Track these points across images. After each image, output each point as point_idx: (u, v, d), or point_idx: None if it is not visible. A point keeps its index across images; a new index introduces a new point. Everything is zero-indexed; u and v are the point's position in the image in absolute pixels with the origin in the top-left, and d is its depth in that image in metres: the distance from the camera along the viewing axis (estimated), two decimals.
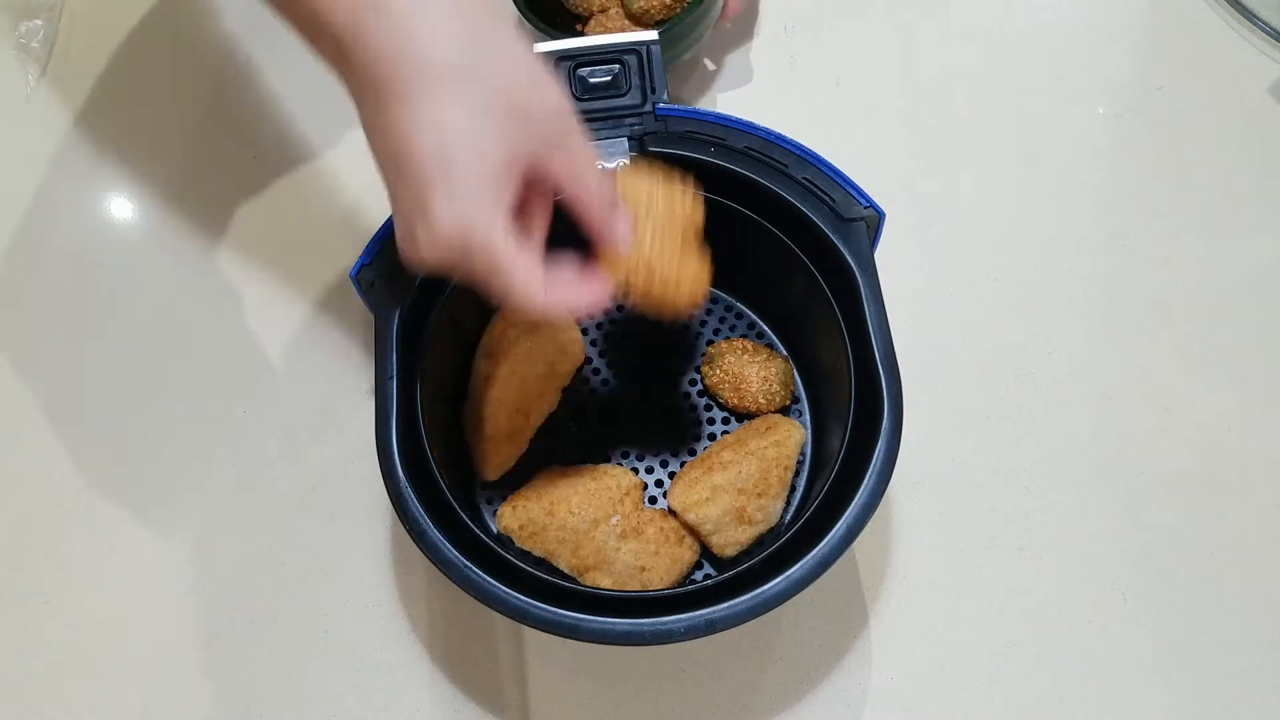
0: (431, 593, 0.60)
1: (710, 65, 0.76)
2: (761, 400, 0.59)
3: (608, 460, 0.60)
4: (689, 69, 0.76)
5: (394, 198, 0.42)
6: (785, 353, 0.62)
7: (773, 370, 0.59)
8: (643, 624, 0.46)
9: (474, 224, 0.40)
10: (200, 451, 0.64)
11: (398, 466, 0.49)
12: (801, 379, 0.62)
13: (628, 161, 0.56)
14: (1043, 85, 0.76)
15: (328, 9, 0.41)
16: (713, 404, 0.61)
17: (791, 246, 0.56)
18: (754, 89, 0.75)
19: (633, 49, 0.57)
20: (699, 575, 0.57)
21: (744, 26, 0.78)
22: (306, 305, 0.68)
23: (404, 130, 0.40)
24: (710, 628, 0.46)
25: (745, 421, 0.60)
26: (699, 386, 0.62)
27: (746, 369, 0.59)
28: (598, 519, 0.54)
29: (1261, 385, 0.65)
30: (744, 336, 0.63)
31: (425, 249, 0.41)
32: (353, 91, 0.43)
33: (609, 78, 0.57)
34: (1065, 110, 0.75)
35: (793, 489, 0.58)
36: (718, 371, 0.60)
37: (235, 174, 0.72)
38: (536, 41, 0.57)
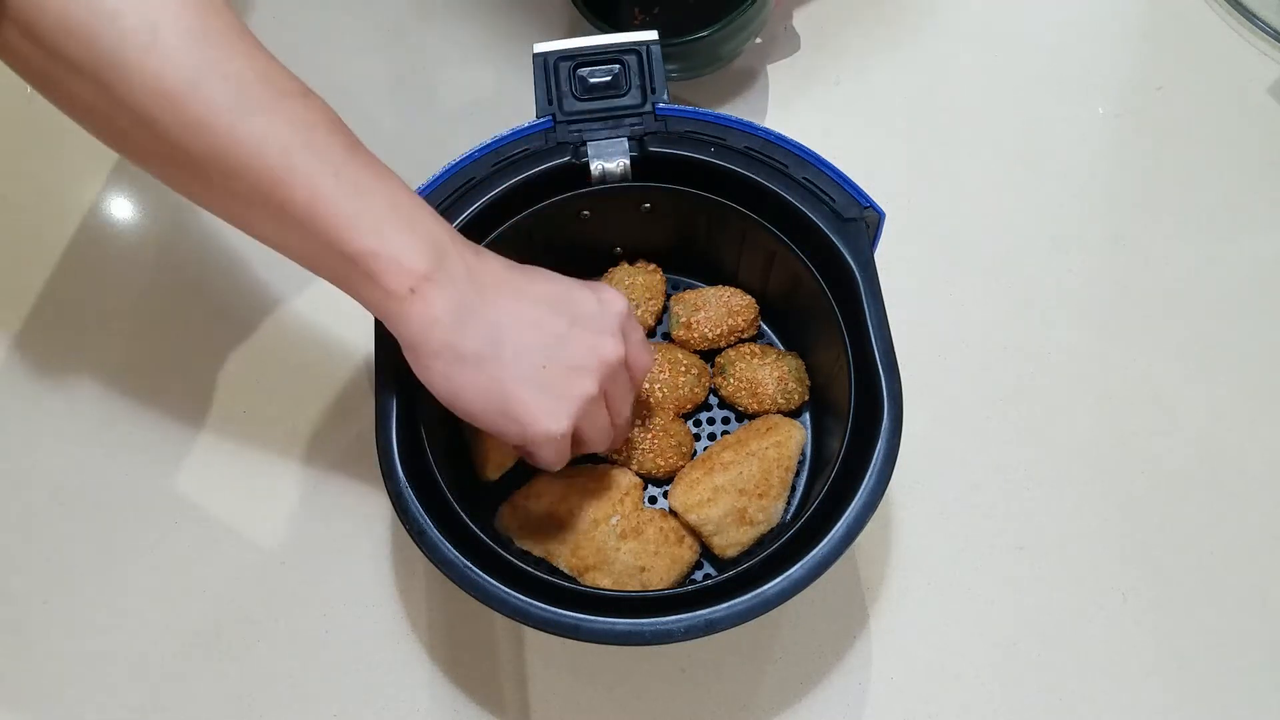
0: (431, 593, 0.60)
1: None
2: (780, 400, 0.59)
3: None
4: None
5: (573, 307, 0.48)
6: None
7: (785, 369, 0.59)
8: (643, 624, 0.46)
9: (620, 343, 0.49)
10: (200, 451, 0.64)
11: (398, 466, 0.49)
12: None
13: (627, 162, 0.56)
14: (1043, 85, 0.76)
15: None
16: (731, 414, 0.61)
17: (791, 246, 0.56)
18: (753, 89, 0.75)
19: (633, 49, 0.57)
20: (699, 575, 0.57)
21: None
22: (306, 305, 0.68)
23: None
24: (710, 628, 0.46)
25: (746, 421, 0.60)
26: (715, 398, 0.61)
27: (759, 372, 0.59)
28: (598, 519, 0.54)
29: (1261, 385, 0.65)
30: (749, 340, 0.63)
31: (606, 356, 0.48)
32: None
33: (609, 78, 0.57)
34: (1065, 110, 0.75)
35: (793, 489, 0.58)
36: (732, 380, 0.60)
37: None
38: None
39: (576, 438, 0.49)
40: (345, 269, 0.44)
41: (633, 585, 0.54)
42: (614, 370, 0.48)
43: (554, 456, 0.49)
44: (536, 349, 0.46)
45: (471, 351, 0.45)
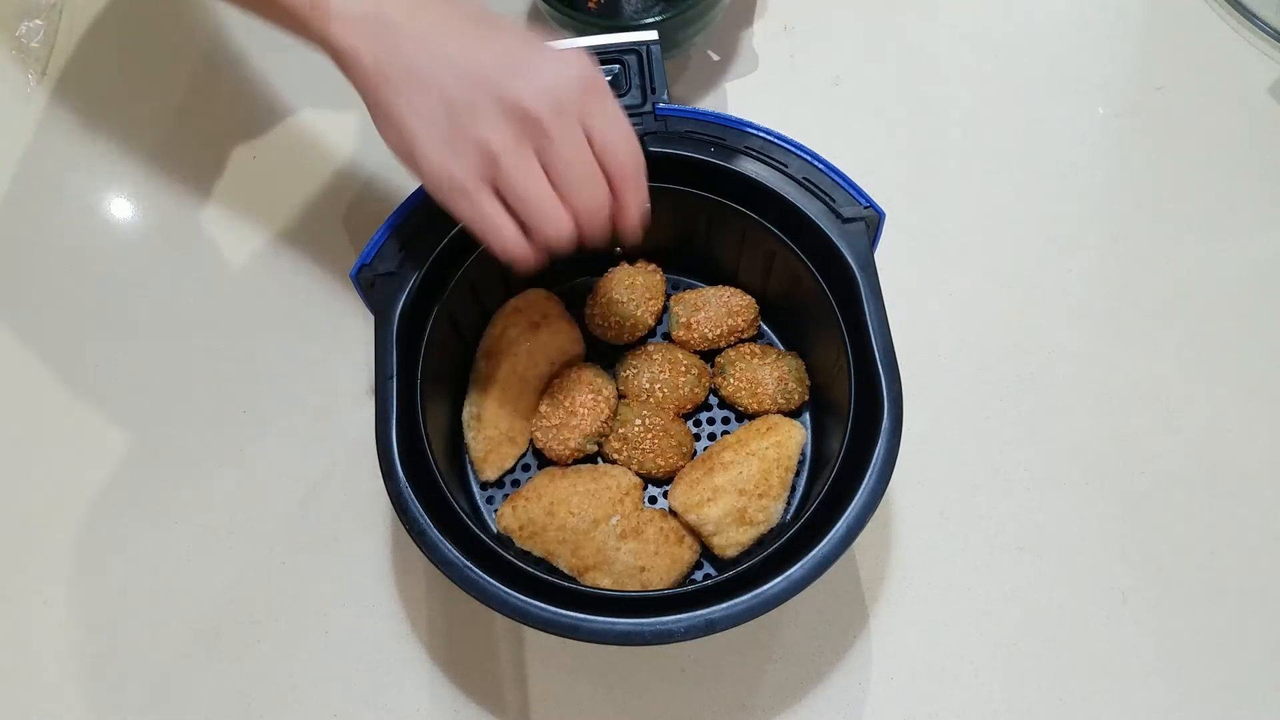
0: (431, 593, 0.60)
1: (715, 56, 0.76)
2: (780, 400, 0.59)
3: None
4: (686, 66, 0.76)
5: (498, 52, 0.44)
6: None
7: (785, 369, 0.59)
8: (643, 624, 0.47)
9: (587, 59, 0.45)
10: (200, 451, 0.64)
11: (398, 466, 0.49)
12: None
13: None
14: (1042, 85, 0.76)
15: None
16: (731, 414, 0.61)
17: (791, 246, 0.56)
18: (754, 88, 0.75)
19: (633, 49, 0.57)
20: (699, 575, 0.57)
21: (744, 24, 0.78)
22: (307, 305, 0.68)
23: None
24: (710, 628, 0.46)
25: (745, 421, 0.60)
26: (716, 398, 0.62)
27: (759, 372, 0.59)
28: (598, 519, 0.54)
29: (1261, 385, 0.65)
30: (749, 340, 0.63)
31: (554, 66, 0.44)
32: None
33: (609, 78, 0.57)
34: (1065, 110, 0.75)
35: (793, 489, 0.58)
36: (732, 380, 0.60)
37: (236, 174, 0.73)
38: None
39: (514, 210, 0.45)
40: (273, 10, 0.44)
41: (633, 585, 0.54)
42: (534, 127, 0.43)
43: (470, 214, 0.45)
44: (442, 84, 0.43)
45: (389, 79, 0.44)
